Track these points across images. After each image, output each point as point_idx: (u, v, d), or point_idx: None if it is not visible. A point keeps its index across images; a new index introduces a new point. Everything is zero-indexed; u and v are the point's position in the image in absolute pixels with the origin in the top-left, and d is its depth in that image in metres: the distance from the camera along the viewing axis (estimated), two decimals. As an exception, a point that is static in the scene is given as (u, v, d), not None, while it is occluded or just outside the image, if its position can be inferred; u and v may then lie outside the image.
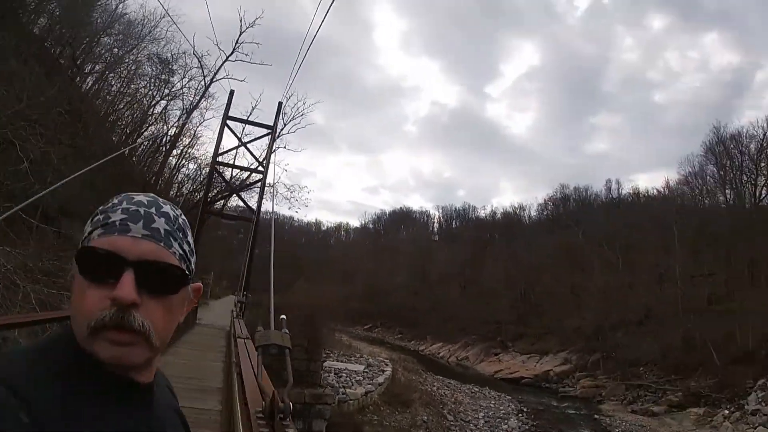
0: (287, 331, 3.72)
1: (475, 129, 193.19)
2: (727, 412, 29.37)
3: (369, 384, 24.78)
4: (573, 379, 41.16)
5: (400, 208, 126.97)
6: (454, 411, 27.98)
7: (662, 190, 58.26)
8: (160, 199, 1.05)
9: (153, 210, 1.01)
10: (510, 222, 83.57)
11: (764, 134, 44.90)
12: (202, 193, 29.95)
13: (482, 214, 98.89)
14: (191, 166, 38.17)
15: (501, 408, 31.21)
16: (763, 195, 44.34)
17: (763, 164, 44.24)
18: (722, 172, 47.12)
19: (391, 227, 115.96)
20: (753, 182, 44.89)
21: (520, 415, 30.48)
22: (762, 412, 27.68)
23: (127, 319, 0.93)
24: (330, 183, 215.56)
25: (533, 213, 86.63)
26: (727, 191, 47.27)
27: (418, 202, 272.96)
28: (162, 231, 1.00)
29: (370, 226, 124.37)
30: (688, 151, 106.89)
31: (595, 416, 32.12)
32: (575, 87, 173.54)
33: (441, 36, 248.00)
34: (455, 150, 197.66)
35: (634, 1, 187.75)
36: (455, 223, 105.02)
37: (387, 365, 32.03)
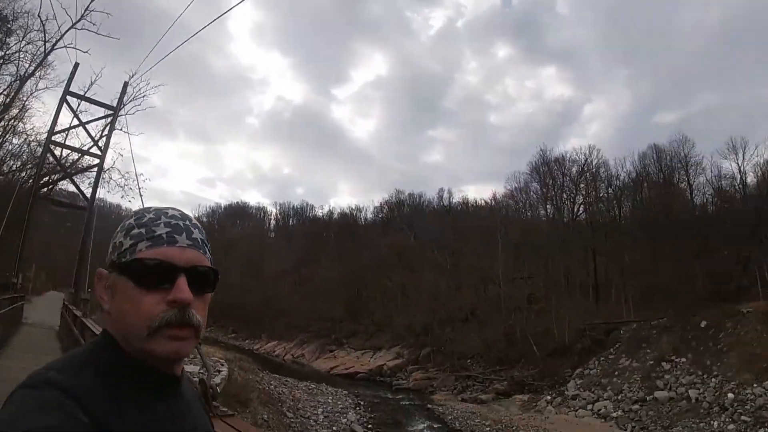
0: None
1: (318, 129, 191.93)
2: (549, 397, 32.71)
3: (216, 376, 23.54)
4: (406, 373, 42.77)
5: (237, 202, 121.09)
6: (293, 408, 27.59)
7: (490, 201, 63.37)
8: (186, 212, 1.20)
9: (188, 222, 1.16)
10: (346, 222, 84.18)
11: (585, 160, 52.15)
12: (27, 173, 26.10)
13: (319, 213, 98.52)
14: (15, 141, 32.48)
15: (339, 403, 31.61)
16: (580, 212, 50.81)
17: (582, 185, 50.77)
18: (545, 190, 53.22)
19: (227, 222, 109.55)
20: (572, 200, 51.41)
21: (358, 408, 31.18)
22: (581, 396, 31.41)
23: (188, 317, 1.07)
24: (164, 171, 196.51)
25: (369, 215, 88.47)
26: (548, 206, 53.56)
27: (255, 198, 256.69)
28: (199, 240, 1.16)
29: (205, 219, 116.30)
30: (516, 169, 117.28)
31: (428, 406, 33.74)
32: (418, 100, 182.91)
33: (295, 33, 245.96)
34: (296, 147, 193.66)
35: (485, 29, 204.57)
36: (292, 221, 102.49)
37: (222, 365, 30.55)
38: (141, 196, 25.83)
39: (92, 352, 1.08)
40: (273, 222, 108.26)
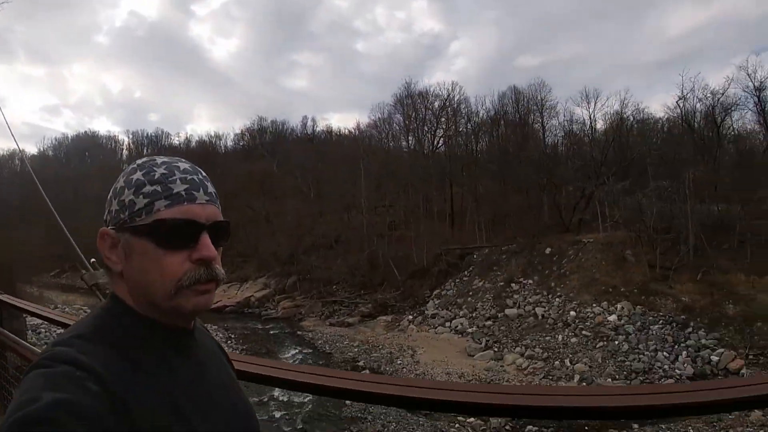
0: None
1: (175, 49, 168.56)
2: (411, 317, 35.04)
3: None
4: (274, 302, 43.33)
5: (85, 132, 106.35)
6: None
7: (353, 131, 63.35)
8: (194, 165, 1.18)
9: (201, 176, 1.13)
10: (205, 151, 78.76)
11: (448, 95, 53.82)
12: None
13: (176, 141, 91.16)
14: None
15: None
16: (440, 144, 52.98)
17: (443, 119, 52.69)
18: (407, 122, 54.39)
19: (75, 155, 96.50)
20: (432, 133, 53.17)
21: (229, 341, 31.45)
22: (439, 315, 34.01)
23: (214, 272, 1.08)
24: (2, 100, 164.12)
25: (229, 143, 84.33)
26: (410, 138, 54.91)
27: (105, 126, 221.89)
28: (214, 194, 1.14)
29: (51, 153, 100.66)
30: (381, 100, 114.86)
31: (298, 332, 34.92)
32: (283, 22, 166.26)
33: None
34: (150, 70, 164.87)
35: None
36: (146, 150, 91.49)
37: (86, 313, 28.51)
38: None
39: (101, 318, 1.08)
40: (126, 152, 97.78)
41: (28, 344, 3.87)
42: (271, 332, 35.28)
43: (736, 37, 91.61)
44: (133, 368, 0.97)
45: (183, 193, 1.07)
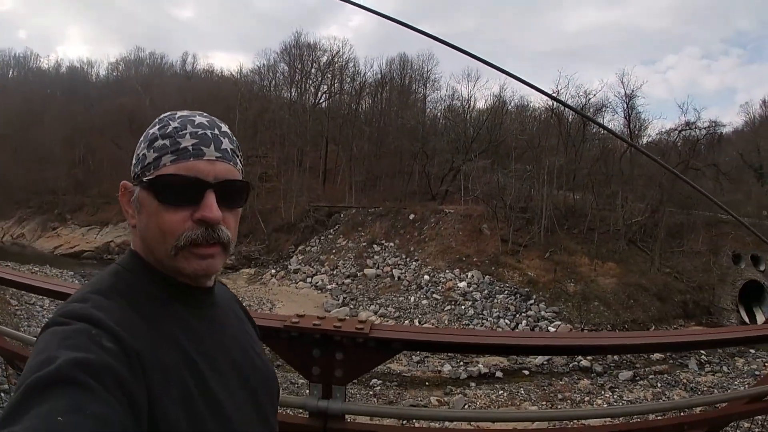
0: None
1: None
2: (274, 271, 34.46)
3: None
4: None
5: None
6: (17, 294, 23.91)
7: (235, 74, 58.86)
8: (216, 119, 1.10)
9: (216, 131, 1.05)
10: (75, 78, 69.74)
11: (337, 51, 51.58)
12: None
13: (45, 65, 79.01)
14: None
15: None
16: (321, 100, 50.96)
17: (328, 75, 50.65)
18: (292, 73, 51.60)
19: None
20: (316, 88, 51.02)
21: None
22: (302, 270, 33.61)
23: (216, 234, 1.01)
24: None
25: (102, 72, 75.11)
26: (292, 90, 52.19)
27: None
28: (229, 151, 1.06)
29: None
30: (269, 45, 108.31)
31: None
32: None
33: None
34: None
35: None
36: (12, 73, 78.56)
37: None
38: None
39: (117, 274, 1.03)
40: None
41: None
42: None
43: (627, 46, 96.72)
44: (148, 324, 0.95)
45: (190, 148, 1.00)
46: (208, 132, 1.03)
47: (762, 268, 29.21)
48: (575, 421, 2.53)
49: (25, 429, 0.69)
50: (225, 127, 1.09)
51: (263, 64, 54.59)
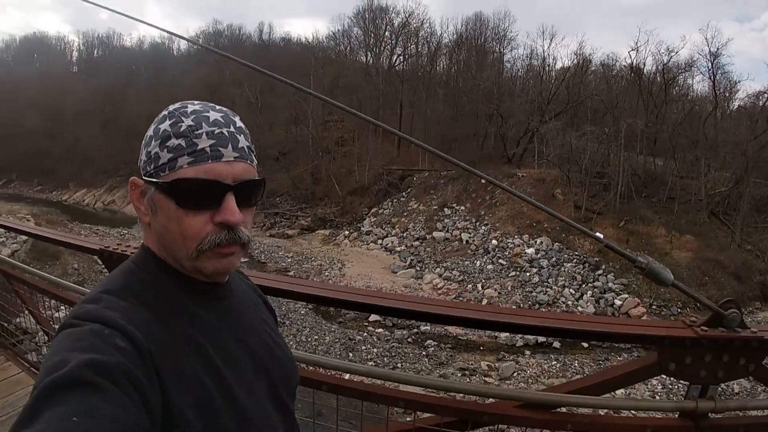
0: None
1: None
2: (347, 232, 34.85)
3: (13, 243, 21.68)
4: None
5: (34, 33, 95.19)
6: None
7: (311, 40, 59.27)
8: (229, 111, 1.05)
9: (232, 128, 1.01)
10: (158, 53, 72.70)
11: (410, 14, 50.53)
12: None
13: (128, 42, 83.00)
14: None
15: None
16: (396, 63, 50.24)
17: (401, 39, 49.82)
18: (366, 37, 51.10)
19: (23, 58, 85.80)
20: (390, 51, 50.31)
21: None
22: (374, 232, 33.78)
23: (237, 236, 0.99)
24: None
25: (183, 45, 76.99)
26: (368, 54, 51.72)
27: (54, 26, 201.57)
28: (246, 149, 1.02)
29: None
30: (342, 11, 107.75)
31: (236, 242, 34.44)
32: None
33: None
34: None
35: None
36: (98, 52, 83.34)
37: (29, 221, 27.32)
38: None
39: (131, 273, 1.02)
40: (75, 54, 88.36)
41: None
42: None
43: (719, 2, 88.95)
44: (162, 323, 0.95)
45: (208, 149, 0.97)
46: (225, 130, 0.99)
47: None
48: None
49: (40, 431, 0.69)
50: (239, 121, 1.05)
51: (338, 30, 54.36)
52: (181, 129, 0.97)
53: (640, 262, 1.86)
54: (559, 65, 45.21)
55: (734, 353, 1.96)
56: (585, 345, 19.08)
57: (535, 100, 40.24)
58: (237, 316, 1.12)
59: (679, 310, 22.70)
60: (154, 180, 0.98)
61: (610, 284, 24.37)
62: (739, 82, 38.45)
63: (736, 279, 24.98)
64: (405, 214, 34.65)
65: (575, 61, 42.67)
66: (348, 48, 53.96)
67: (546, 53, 45.37)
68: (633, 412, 2.39)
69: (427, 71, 49.03)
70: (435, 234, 31.07)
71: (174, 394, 0.89)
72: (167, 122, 0.99)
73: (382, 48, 50.77)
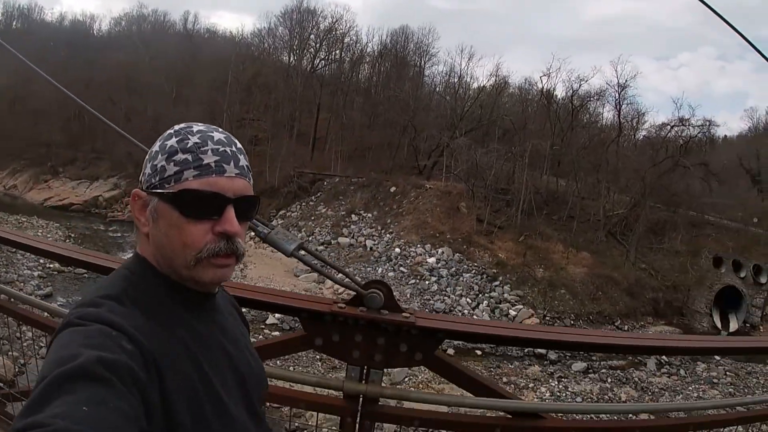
0: None
1: None
2: (252, 234, 32.72)
3: None
4: (122, 204, 39.87)
5: None
6: None
7: (236, 35, 56.88)
8: (230, 135, 1.09)
9: (234, 148, 1.05)
10: (77, 32, 65.86)
11: (337, 18, 49.39)
12: None
13: (49, 17, 74.65)
14: None
15: (48, 236, 28.71)
16: (319, 67, 49.26)
17: (325, 43, 48.90)
18: (291, 38, 49.66)
19: None
20: (313, 55, 49.20)
21: (68, 241, 28.88)
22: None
23: (235, 247, 1.02)
24: None
25: (104, 27, 71.76)
26: (291, 55, 50.25)
27: None
28: (245, 167, 1.06)
29: None
30: (270, 9, 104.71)
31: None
32: None
33: None
34: None
35: None
36: (16, 24, 74.56)
37: None
38: None
39: (127, 280, 1.03)
40: None
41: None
42: (113, 235, 33.67)
43: (642, 39, 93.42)
44: (159, 327, 0.97)
45: (213, 164, 1.02)
46: (228, 149, 1.04)
47: (743, 275, 27.60)
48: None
49: (51, 416, 0.70)
50: (239, 143, 1.09)
51: (264, 27, 52.84)
52: (188, 145, 1.01)
53: (260, 230, 1.81)
54: (476, 85, 45.85)
55: (392, 338, 1.98)
56: (478, 353, 19.06)
57: (448, 115, 40.59)
58: (223, 329, 1.13)
59: (572, 322, 23.37)
60: (159, 191, 1.00)
61: (506, 295, 24.65)
62: (645, 113, 40.32)
63: (629, 295, 26.00)
64: (313, 218, 34.10)
65: (492, 81, 43.32)
66: (272, 47, 52.44)
67: (464, 72, 45.91)
68: (290, 384, 2.41)
69: (348, 78, 48.55)
70: (340, 239, 30.69)
71: (173, 396, 0.91)
72: (174, 139, 1.02)
73: (305, 50, 49.58)
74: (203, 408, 0.97)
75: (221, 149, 1.02)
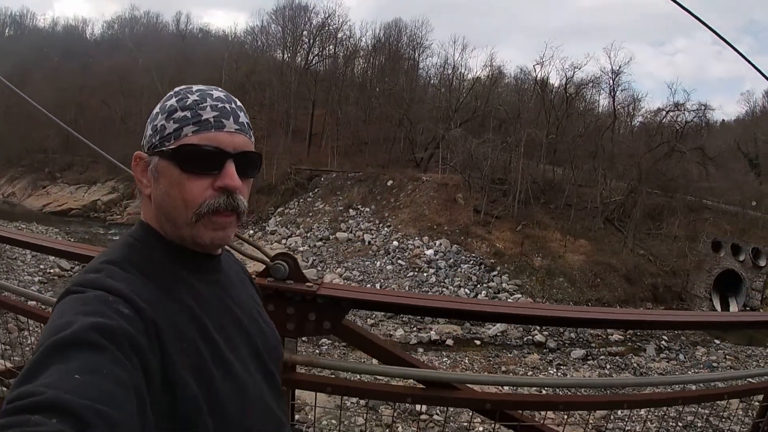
0: None
1: None
2: (252, 232, 33.33)
3: None
4: (120, 207, 40.29)
5: None
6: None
7: (229, 34, 57.42)
8: (230, 94, 1.08)
9: (234, 105, 1.04)
10: (71, 37, 65.86)
11: (330, 14, 49.47)
12: None
13: (42, 23, 74.33)
14: None
15: None
16: (313, 63, 49.13)
17: (319, 39, 48.76)
18: (284, 35, 49.63)
19: None
20: (307, 51, 49.08)
21: None
22: (278, 232, 32.91)
23: (235, 203, 1.01)
24: None
25: (97, 30, 71.91)
26: (285, 53, 50.21)
27: None
28: (246, 124, 1.05)
29: None
30: (262, 7, 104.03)
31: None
32: None
33: None
34: None
35: None
36: (8, 31, 72.50)
37: None
38: None
39: (129, 246, 1.04)
40: None
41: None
42: (113, 238, 32.72)
43: (635, 26, 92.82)
44: (161, 291, 0.96)
45: (212, 120, 1.01)
46: (227, 105, 1.03)
47: (742, 258, 27.53)
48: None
49: (43, 385, 0.70)
50: (239, 102, 1.07)
51: (256, 25, 52.85)
52: (187, 103, 1.00)
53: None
54: (470, 76, 45.80)
55: (300, 308, 2.02)
56: (477, 343, 19.22)
57: (443, 107, 40.53)
58: (228, 292, 1.12)
59: (571, 310, 23.01)
60: (160, 149, 1.00)
61: (504, 285, 24.66)
62: (641, 99, 40.51)
63: (628, 281, 25.90)
64: (310, 214, 33.93)
65: (486, 72, 43.18)
66: (265, 44, 52.35)
67: (458, 63, 45.92)
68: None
69: (342, 73, 48.41)
70: (338, 234, 30.58)
71: (175, 360, 0.90)
72: (173, 99, 1.02)
73: (298, 47, 49.48)
74: (209, 371, 0.96)
75: (220, 105, 1.01)
